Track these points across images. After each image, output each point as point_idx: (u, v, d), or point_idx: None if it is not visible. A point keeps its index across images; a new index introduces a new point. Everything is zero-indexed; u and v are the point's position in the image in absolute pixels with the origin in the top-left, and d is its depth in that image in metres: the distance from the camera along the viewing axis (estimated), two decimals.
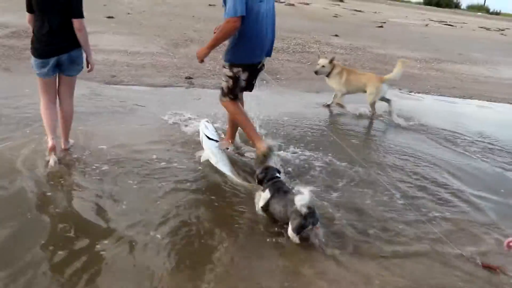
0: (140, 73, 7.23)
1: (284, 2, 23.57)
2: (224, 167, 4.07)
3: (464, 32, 22.07)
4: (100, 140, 4.51)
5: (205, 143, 4.17)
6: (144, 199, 3.55)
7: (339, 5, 31.85)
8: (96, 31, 10.14)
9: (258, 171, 3.59)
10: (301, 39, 12.41)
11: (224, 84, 4.16)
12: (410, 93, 8.51)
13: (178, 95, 5.07)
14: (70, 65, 3.86)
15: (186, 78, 7.17)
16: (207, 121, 4.31)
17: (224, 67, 4.13)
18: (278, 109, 6.09)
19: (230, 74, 4.08)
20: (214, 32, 4.05)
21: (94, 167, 3.95)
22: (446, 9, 44.33)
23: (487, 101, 8.60)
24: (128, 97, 5.99)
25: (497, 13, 48.15)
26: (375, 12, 27.28)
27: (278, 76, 8.03)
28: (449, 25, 25.37)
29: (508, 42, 19.84)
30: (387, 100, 6.51)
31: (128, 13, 13.64)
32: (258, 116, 5.04)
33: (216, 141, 4.18)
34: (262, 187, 3.50)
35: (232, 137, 4.58)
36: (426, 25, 23.70)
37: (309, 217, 3.02)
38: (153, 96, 6.19)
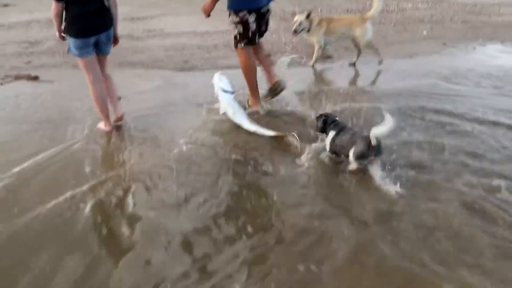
0: (213, 55, 6.66)
1: None
2: (241, 118, 4.14)
3: None
4: (182, 135, 4.06)
5: (221, 96, 4.23)
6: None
7: None
8: (159, 14, 9.72)
9: (318, 120, 3.62)
10: None
11: (235, 32, 4.26)
12: None
13: (259, 76, 4.52)
14: (107, 43, 3.96)
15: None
16: (221, 74, 4.37)
17: (230, 15, 4.22)
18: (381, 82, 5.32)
19: (237, 19, 4.18)
20: None
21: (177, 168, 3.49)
22: None
23: None
24: (205, 83, 5.46)
25: None
26: None
27: None
28: None
29: None
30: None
31: None
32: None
33: (232, 92, 4.25)
34: (324, 134, 3.57)
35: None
36: None
37: (372, 149, 3.15)
38: (233, 79, 5.62)
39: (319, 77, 5.99)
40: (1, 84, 5.68)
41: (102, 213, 2.99)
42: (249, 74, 4.45)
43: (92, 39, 3.80)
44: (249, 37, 4.26)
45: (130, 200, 3.12)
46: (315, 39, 6.07)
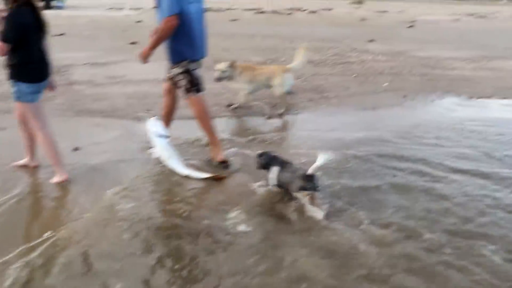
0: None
1: (306, 10, 22.89)
2: (176, 163, 4.22)
3: (500, 24, 20.89)
4: (134, 190, 3.89)
5: (156, 140, 4.31)
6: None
7: (360, 7, 31.02)
8: (122, 59, 9.58)
9: (259, 158, 3.89)
10: (337, 48, 11.61)
11: (183, 82, 4.33)
12: (470, 100, 7.56)
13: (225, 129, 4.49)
14: (46, 88, 3.98)
15: (227, 106, 6.44)
16: (155, 118, 4.44)
17: (172, 68, 4.34)
18: (347, 135, 5.31)
19: (180, 70, 4.29)
20: (150, 36, 4.28)
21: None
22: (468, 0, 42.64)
23: None
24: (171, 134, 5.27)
25: None
26: (400, 12, 26.32)
27: (325, 94, 7.21)
28: (480, 17, 24.19)
29: None
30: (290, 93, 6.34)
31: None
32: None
33: (167, 137, 4.32)
34: (267, 170, 3.81)
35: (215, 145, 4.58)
36: (457, 20, 22.62)
37: (309, 181, 3.46)
38: (195, 132, 5.46)
39: (281, 127, 5.94)
40: None
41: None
42: (205, 121, 4.49)
43: (44, 84, 3.87)
44: (197, 84, 4.37)
45: (56, 271, 2.84)
46: (243, 85, 6.12)
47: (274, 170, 3.74)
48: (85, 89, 7.17)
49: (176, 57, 4.28)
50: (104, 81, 7.76)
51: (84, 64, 8.73)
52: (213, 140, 4.52)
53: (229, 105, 6.48)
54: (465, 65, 10.34)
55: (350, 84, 7.95)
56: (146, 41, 11.33)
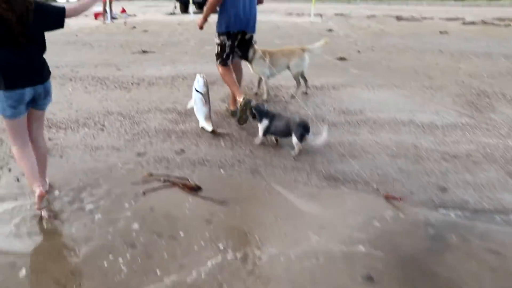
0: (476, 181, 3.75)
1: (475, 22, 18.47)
2: (199, 115, 5.01)
3: None
4: None
5: (193, 93, 5.01)
6: None
7: None
8: (341, 83, 7.36)
9: (253, 109, 4.59)
10: None
11: (216, 50, 5.18)
12: None
13: None
14: (45, 98, 3.31)
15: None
16: (201, 76, 5.01)
17: (215, 36, 5.14)
18: None
19: (218, 41, 5.12)
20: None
21: None
22: None
23: None
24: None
25: None
26: None
27: None
28: None
29: None
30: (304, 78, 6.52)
31: (359, 51, 10.79)
32: None
33: (201, 93, 4.93)
34: (257, 120, 4.58)
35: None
36: None
37: (306, 129, 4.24)
38: None
39: None
40: (144, 194, 3.59)
41: None
42: (225, 80, 5.20)
43: (28, 92, 3.12)
44: (224, 58, 5.15)
45: None
46: (259, 70, 6.00)
47: (265, 121, 4.47)
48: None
49: (218, 28, 5.03)
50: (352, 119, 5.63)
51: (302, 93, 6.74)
52: (233, 89, 5.15)
53: None
54: None
55: None
56: (355, 55, 9.18)
